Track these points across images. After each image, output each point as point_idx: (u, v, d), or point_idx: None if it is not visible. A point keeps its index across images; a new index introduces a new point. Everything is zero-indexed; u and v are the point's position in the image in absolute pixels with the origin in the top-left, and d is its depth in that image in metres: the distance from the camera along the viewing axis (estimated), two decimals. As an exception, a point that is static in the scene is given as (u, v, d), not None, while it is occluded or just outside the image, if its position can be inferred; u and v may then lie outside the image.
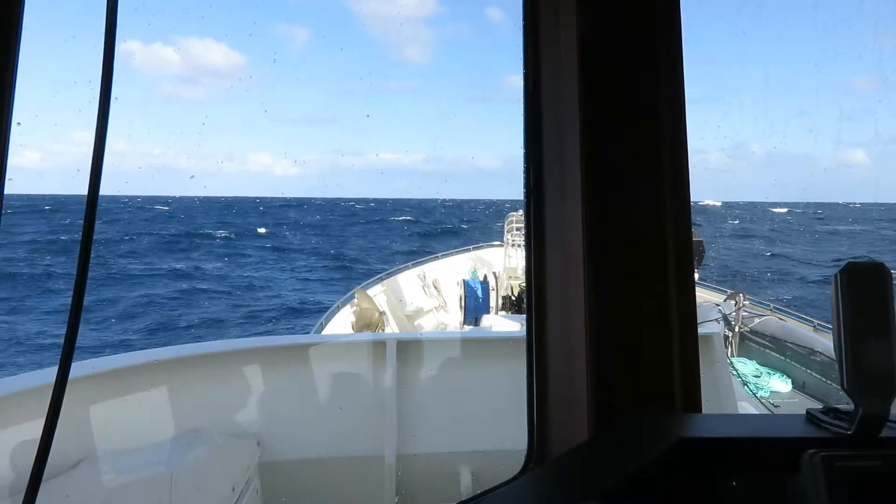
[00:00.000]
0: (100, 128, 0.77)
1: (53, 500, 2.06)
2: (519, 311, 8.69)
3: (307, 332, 8.70)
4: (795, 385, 6.61)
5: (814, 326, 7.24)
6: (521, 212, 10.45)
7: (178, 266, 25.23)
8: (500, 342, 3.42)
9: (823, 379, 6.32)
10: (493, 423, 2.82)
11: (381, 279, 9.87)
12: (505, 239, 11.52)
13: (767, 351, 7.21)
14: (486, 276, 10.43)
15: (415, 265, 11.13)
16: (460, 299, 9.41)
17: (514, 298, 9.44)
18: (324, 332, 7.36)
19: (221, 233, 40.04)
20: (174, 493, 2.16)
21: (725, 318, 7.60)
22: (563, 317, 1.05)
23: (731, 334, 7.52)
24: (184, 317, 16.92)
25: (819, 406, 0.84)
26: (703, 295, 8.65)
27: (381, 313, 8.08)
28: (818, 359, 6.44)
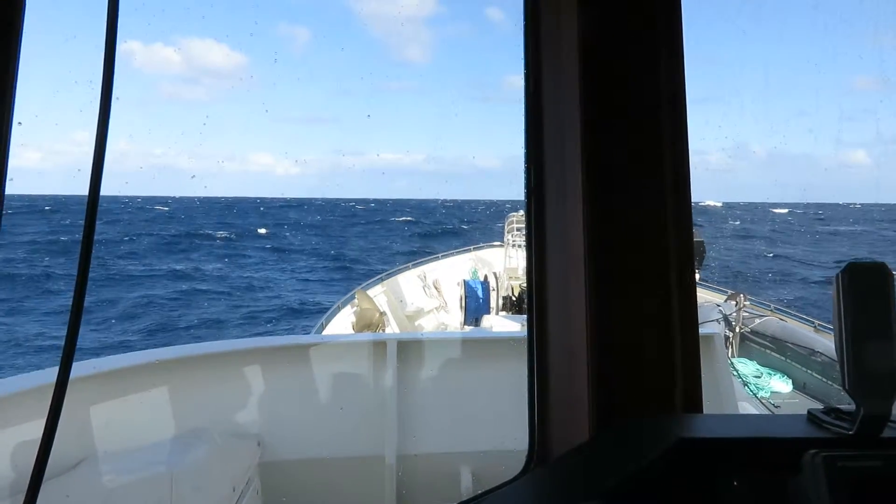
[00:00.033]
0: (101, 128, 0.77)
1: (54, 501, 2.06)
2: (519, 312, 8.69)
3: (307, 333, 8.70)
4: (796, 386, 6.61)
5: (814, 327, 7.24)
6: (521, 212, 10.47)
7: (178, 267, 25.24)
8: (500, 342, 3.42)
9: (824, 379, 6.32)
10: (493, 423, 2.82)
11: (382, 279, 9.87)
12: (505, 239, 11.51)
13: (768, 351, 7.21)
14: (486, 277, 10.43)
15: (415, 265, 11.13)
16: (461, 300, 9.42)
17: (514, 299, 9.44)
18: (324, 333, 7.36)
19: (221, 233, 40.06)
20: (175, 493, 2.16)
21: (726, 319, 7.60)
22: (564, 317, 1.05)
23: (731, 335, 7.52)
24: (183, 317, 16.92)
25: (820, 407, 0.84)
26: (703, 295, 8.65)
27: (382, 314, 8.08)
28: (819, 359, 6.44)
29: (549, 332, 1.08)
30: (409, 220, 56.22)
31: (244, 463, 2.64)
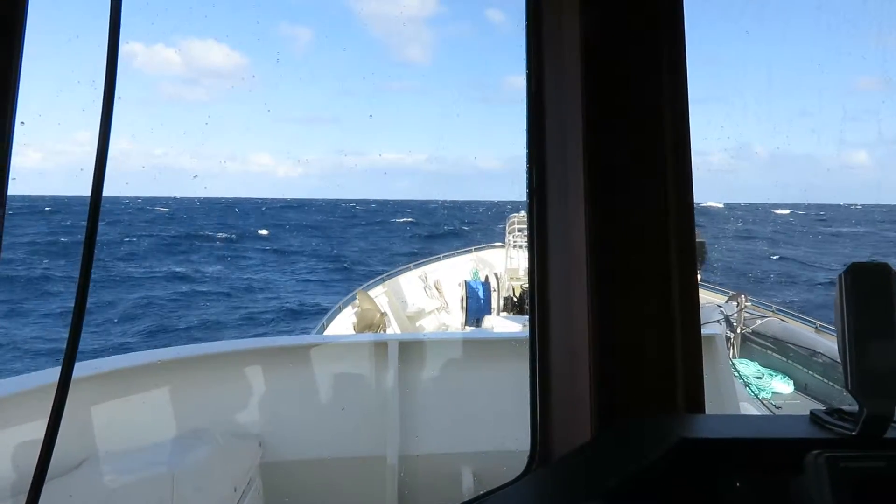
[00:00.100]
0: (103, 127, 0.77)
1: (56, 501, 2.07)
2: (520, 312, 8.68)
3: (308, 334, 8.71)
4: (797, 386, 6.60)
5: (816, 328, 7.24)
6: (522, 213, 10.47)
7: (178, 269, 25.23)
8: (501, 343, 3.41)
9: (825, 380, 6.31)
10: (495, 423, 2.82)
11: (383, 280, 9.88)
12: (506, 240, 11.51)
13: (769, 352, 7.20)
14: (487, 277, 10.43)
15: (416, 266, 11.13)
16: (462, 300, 9.42)
17: (515, 299, 9.43)
18: (325, 333, 7.36)
19: (222, 234, 40.05)
20: (176, 494, 2.16)
21: (727, 320, 7.60)
22: (566, 317, 1.05)
23: (732, 335, 7.52)
24: (183, 319, 16.91)
25: (821, 408, 0.84)
26: (704, 296, 8.64)
27: (383, 314, 8.08)
28: (820, 360, 6.43)
29: (551, 332, 1.08)
30: (411, 222, 56.23)
31: (245, 463, 2.64)
